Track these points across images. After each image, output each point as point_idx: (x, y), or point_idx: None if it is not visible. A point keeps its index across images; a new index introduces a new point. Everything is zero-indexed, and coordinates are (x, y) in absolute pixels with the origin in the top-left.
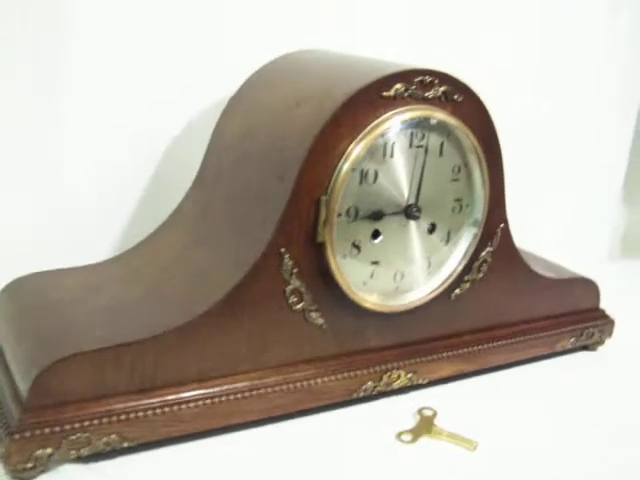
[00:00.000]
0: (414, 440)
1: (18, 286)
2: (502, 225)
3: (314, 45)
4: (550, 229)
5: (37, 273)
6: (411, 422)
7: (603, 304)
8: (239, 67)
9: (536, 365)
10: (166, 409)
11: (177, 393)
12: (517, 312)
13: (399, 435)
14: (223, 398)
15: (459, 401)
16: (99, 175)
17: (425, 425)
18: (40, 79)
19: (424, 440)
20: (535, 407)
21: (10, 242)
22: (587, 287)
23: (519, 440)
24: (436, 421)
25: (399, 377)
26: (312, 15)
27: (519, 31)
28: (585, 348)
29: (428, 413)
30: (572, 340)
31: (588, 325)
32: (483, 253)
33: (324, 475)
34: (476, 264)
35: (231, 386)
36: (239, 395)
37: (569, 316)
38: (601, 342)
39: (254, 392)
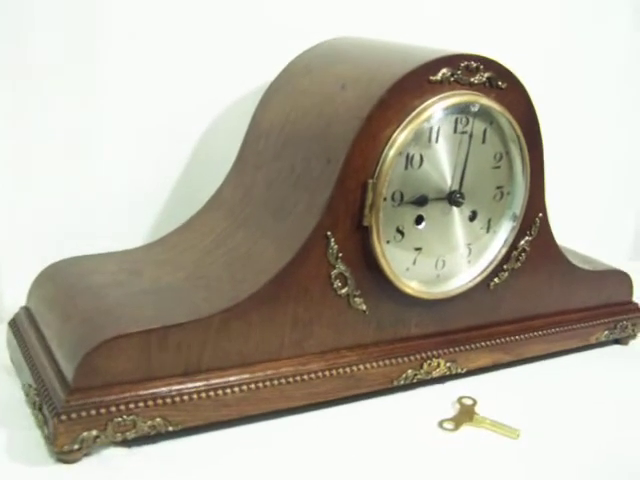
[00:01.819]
0: (456, 428)
1: (56, 270)
2: (541, 214)
3: (350, 33)
4: (577, 224)
5: (75, 257)
6: (451, 411)
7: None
8: (276, 55)
9: (570, 357)
10: (211, 393)
11: (222, 377)
12: (554, 303)
13: (441, 423)
14: (267, 383)
15: (497, 391)
16: (135, 163)
17: (466, 413)
18: (78, 67)
19: (466, 428)
20: (572, 398)
21: (46, 227)
22: (621, 280)
23: (560, 429)
24: (476, 410)
25: (439, 365)
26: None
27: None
28: (617, 342)
29: (468, 402)
30: (606, 333)
31: (622, 318)
32: (522, 242)
33: (368, 462)
34: (515, 253)
35: (275, 371)
36: (283, 380)
37: (603, 308)
38: (633, 336)
39: (298, 378)
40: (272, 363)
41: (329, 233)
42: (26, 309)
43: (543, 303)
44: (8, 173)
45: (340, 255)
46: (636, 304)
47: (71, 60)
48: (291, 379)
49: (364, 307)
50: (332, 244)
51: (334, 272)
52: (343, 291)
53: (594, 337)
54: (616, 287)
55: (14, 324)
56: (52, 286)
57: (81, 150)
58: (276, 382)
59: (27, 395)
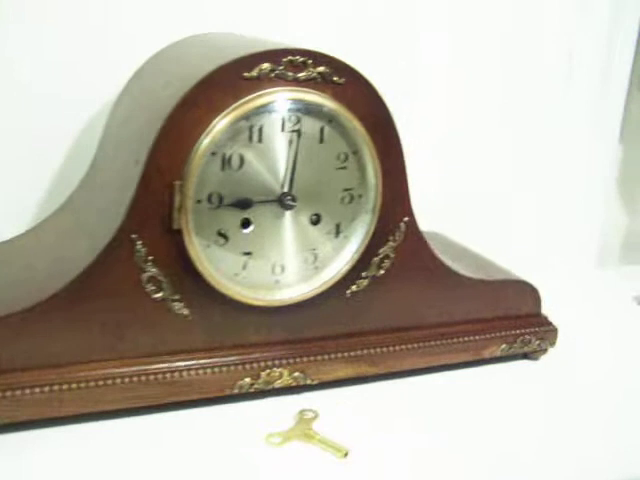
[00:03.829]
0: (283, 443)
1: None
2: (406, 219)
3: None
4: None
5: None
6: (290, 424)
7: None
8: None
9: (463, 371)
10: (8, 393)
11: (23, 377)
12: (433, 313)
13: (269, 437)
14: (73, 385)
15: (353, 406)
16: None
17: (300, 428)
18: None
19: (294, 443)
20: (437, 417)
21: None
22: (524, 291)
23: (396, 453)
24: (315, 424)
25: (281, 376)
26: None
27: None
28: (526, 357)
29: (309, 415)
30: (503, 347)
31: (524, 332)
32: (384, 248)
33: (182, 473)
34: (375, 259)
35: (84, 374)
36: (92, 383)
37: (500, 321)
38: (542, 351)
39: (109, 381)
40: (82, 365)
41: (134, 236)
42: None
43: (419, 313)
44: None
45: (150, 258)
46: (545, 317)
47: None
48: (101, 382)
49: (186, 312)
50: (139, 247)
51: (145, 275)
52: (158, 295)
53: (488, 351)
54: (518, 298)
55: None
56: None
57: None
58: (84, 385)
59: None
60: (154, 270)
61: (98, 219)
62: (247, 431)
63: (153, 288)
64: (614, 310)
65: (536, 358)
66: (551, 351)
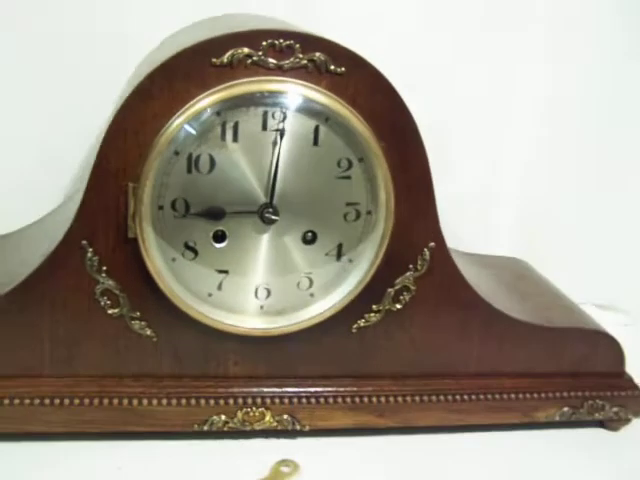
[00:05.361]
0: None
1: None
2: (432, 244)
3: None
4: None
5: None
6: (261, 476)
7: None
8: None
9: (508, 434)
10: None
11: None
12: (469, 361)
13: None
14: (16, 401)
15: (349, 462)
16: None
17: None
18: None
19: None
20: None
21: None
22: (600, 344)
23: None
24: None
25: (263, 417)
26: None
27: None
28: (603, 425)
29: (286, 469)
30: (565, 410)
31: (595, 395)
32: (401, 278)
33: None
34: (390, 291)
35: (30, 389)
36: (37, 401)
37: (563, 378)
38: (623, 420)
39: (56, 400)
40: (30, 379)
41: (84, 242)
42: None
43: (449, 359)
44: None
45: (105, 269)
46: (630, 378)
47: None
48: (47, 400)
49: (149, 332)
50: (90, 255)
51: (99, 287)
52: (115, 311)
53: (542, 414)
54: (592, 353)
55: None
56: None
57: None
58: (29, 401)
59: None
60: (109, 282)
61: (62, 222)
62: (207, 477)
63: (108, 302)
64: None
65: (615, 429)
66: (637, 422)
